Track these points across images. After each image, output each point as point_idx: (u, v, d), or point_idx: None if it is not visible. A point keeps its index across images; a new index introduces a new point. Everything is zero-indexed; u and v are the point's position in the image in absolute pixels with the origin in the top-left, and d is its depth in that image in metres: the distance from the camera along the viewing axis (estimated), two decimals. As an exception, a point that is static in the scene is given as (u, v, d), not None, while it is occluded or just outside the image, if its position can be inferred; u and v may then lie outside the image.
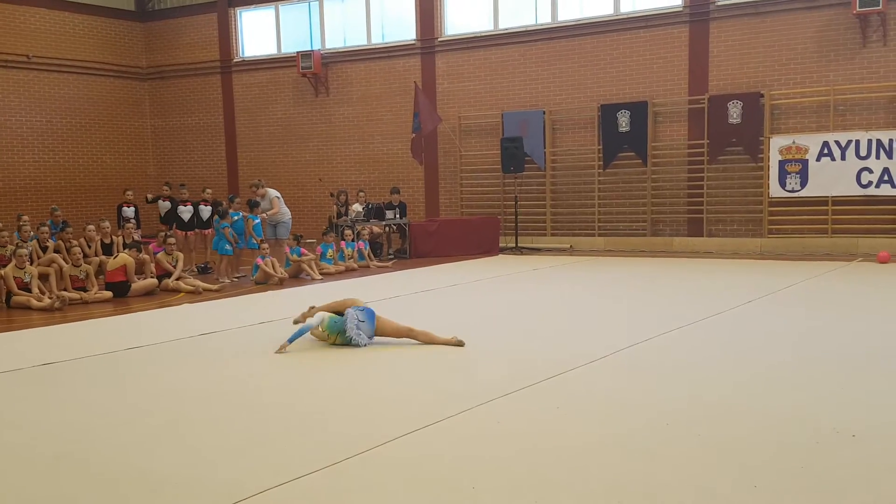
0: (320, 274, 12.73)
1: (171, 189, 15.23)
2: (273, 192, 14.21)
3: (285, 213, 14.17)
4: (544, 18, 16.88)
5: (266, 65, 20.14)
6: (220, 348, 7.46)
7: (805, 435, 4.50)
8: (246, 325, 8.54)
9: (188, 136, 21.52)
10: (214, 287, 11.57)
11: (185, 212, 14.40)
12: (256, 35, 20.51)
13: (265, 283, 11.96)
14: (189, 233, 14.34)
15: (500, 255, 15.65)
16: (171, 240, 12.23)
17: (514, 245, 16.09)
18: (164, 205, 14.73)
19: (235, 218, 12.75)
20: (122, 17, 21.15)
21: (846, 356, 6.45)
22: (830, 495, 3.73)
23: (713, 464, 4.14)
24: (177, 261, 11.96)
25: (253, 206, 13.10)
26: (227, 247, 12.46)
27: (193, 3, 20.99)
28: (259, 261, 12.09)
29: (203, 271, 13.57)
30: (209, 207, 14.42)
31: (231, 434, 4.85)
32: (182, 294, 11.22)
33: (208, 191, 15.05)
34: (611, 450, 4.38)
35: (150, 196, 15.61)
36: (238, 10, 20.51)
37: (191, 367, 6.73)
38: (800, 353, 6.64)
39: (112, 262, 11.27)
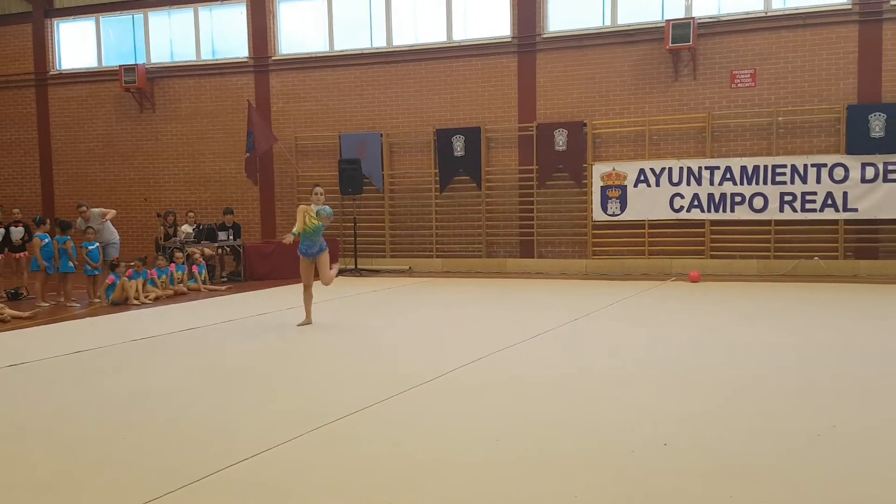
0: (148, 298, 12.19)
1: None
2: (98, 212, 13.49)
3: (113, 233, 13.52)
4: (379, 42, 17.04)
5: (85, 78, 19.04)
6: (27, 380, 6.90)
7: (620, 444, 4.74)
8: (58, 356, 7.94)
9: (-2, 153, 19.94)
10: (25, 314, 10.73)
11: None
12: (75, 47, 19.36)
13: (123, 303, 11.92)
14: None
15: (340, 277, 15.48)
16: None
17: (353, 267, 16.01)
18: None
19: (44, 241, 11.92)
20: (-80, 23, 19.36)
21: (662, 368, 6.87)
22: (644, 501, 3.93)
23: (537, 475, 4.27)
24: (-18, 287, 11.02)
25: (65, 227, 12.30)
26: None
27: (5, 13, 19.56)
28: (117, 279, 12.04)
29: (14, 297, 12.53)
30: (21, 228, 13.36)
31: (37, 473, 4.47)
32: (-13, 323, 10.31)
33: (16, 210, 13.94)
34: (444, 465, 4.44)
35: None
36: (55, 20, 19.29)
37: (-8, 402, 6.17)
38: (617, 366, 7.00)
39: None
